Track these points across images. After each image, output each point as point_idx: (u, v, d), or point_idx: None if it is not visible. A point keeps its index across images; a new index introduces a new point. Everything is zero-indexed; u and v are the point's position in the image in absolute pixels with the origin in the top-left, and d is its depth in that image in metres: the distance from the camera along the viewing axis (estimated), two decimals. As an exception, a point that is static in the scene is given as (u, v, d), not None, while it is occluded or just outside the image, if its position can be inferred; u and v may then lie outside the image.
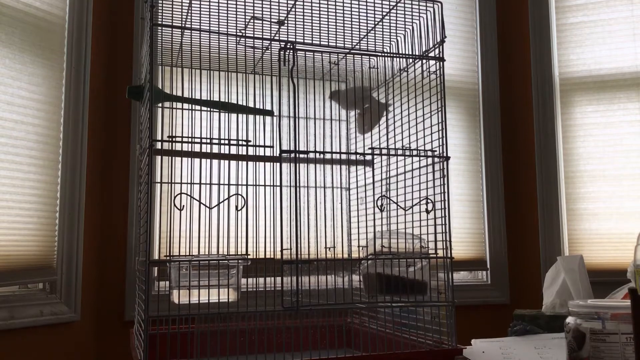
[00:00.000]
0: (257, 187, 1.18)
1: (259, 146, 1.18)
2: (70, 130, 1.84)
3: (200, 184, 1.12)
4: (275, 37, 1.29)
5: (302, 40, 1.29)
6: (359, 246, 1.40)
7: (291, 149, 1.11)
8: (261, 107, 1.32)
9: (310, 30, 1.28)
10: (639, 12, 2.39)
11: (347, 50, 1.31)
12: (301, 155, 1.12)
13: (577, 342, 0.89)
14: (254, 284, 1.20)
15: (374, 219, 1.26)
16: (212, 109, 1.25)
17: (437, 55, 1.22)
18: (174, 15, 1.22)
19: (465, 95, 2.48)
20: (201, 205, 1.10)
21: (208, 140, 1.14)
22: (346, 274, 1.34)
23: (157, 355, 1.01)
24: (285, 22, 1.25)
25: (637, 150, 2.33)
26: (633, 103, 2.35)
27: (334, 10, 1.24)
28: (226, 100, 1.28)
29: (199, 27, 1.18)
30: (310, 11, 1.23)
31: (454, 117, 2.44)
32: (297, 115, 1.12)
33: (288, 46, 1.14)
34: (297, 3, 1.20)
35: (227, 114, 1.24)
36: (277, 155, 1.12)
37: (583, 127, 2.40)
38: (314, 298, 1.11)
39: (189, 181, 1.13)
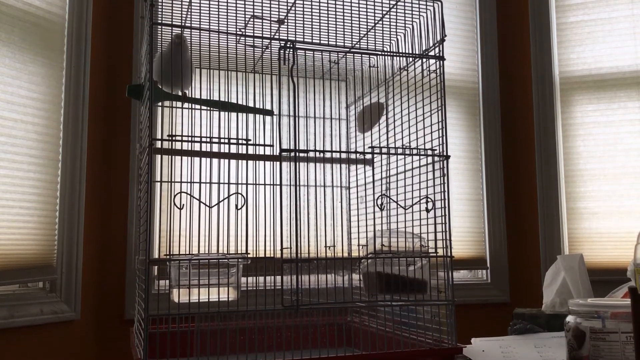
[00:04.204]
0: (257, 186, 1.18)
1: (259, 145, 1.18)
2: (70, 129, 1.84)
3: (200, 182, 1.12)
4: (275, 36, 1.28)
5: (302, 39, 1.29)
6: (359, 245, 1.40)
7: (291, 147, 1.11)
8: (261, 106, 1.32)
9: (310, 29, 1.28)
10: (639, 10, 2.39)
11: (347, 49, 1.31)
12: (301, 154, 1.12)
13: (577, 341, 0.89)
14: (254, 283, 1.20)
15: (374, 218, 1.26)
16: (212, 108, 1.25)
17: (437, 54, 1.22)
18: (173, 14, 1.22)
19: (465, 94, 2.48)
20: (201, 204, 1.10)
21: (208, 139, 1.14)
22: (346, 273, 1.34)
23: (157, 354, 1.01)
24: (285, 21, 1.25)
25: (638, 149, 2.33)
26: (633, 102, 2.35)
27: (334, 9, 1.24)
28: (226, 99, 1.28)
29: (198, 26, 1.17)
30: (310, 10, 1.23)
31: (454, 116, 2.43)
32: (297, 114, 1.12)
33: (288, 45, 1.14)
34: (297, 2, 1.20)
35: (227, 113, 1.24)
36: (277, 154, 1.12)
37: (583, 125, 2.40)
38: (314, 297, 1.11)
39: (189, 180, 1.13)
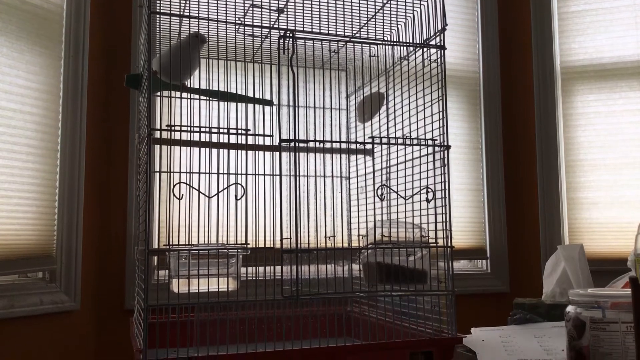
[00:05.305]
0: (257, 176, 1.17)
1: (259, 135, 1.18)
2: (69, 119, 1.83)
3: (199, 173, 1.12)
4: (275, 25, 1.28)
5: (301, 29, 1.28)
6: (359, 235, 1.40)
7: (291, 138, 1.10)
8: (261, 96, 1.31)
9: (310, 18, 1.27)
10: (641, -1, 2.38)
11: (347, 39, 1.30)
12: (301, 144, 1.11)
13: (577, 330, 0.89)
14: (253, 273, 1.20)
15: (374, 208, 1.26)
16: (211, 98, 1.24)
17: (438, 44, 1.21)
18: (172, 3, 1.21)
19: (466, 84, 2.47)
20: (200, 194, 1.10)
21: (207, 130, 1.13)
22: (346, 263, 1.34)
23: (157, 344, 1.01)
24: (285, 9, 1.24)
25: (638, 139, 2.32)
26: (634, 92, 2.34)
27: (333, -2, 1.23)
28: (225, 89, 1.28)
29: (197, 15, 1.17)
30: (309, -1, 1.22)
31: (454, 106, 2.43)
32: (296, 104, 1.11)
33: (287, 34, 1.13)
34: (296, -10, 1.19)
35: (226, 103, 1.24)
36: (277, 144, 1.11)
37: (584, 115, 2.40)
38: (314, 287, 1.11)
39: (188, 170, 1.13)
